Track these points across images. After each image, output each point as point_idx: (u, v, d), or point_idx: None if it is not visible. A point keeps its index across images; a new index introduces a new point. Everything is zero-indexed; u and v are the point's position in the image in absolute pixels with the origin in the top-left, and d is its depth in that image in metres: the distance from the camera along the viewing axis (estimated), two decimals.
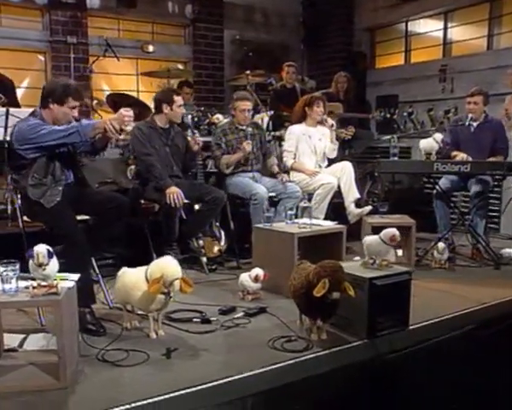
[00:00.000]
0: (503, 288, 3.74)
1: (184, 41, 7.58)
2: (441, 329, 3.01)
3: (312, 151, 4.93)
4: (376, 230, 4.39)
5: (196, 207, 4.19)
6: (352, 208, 4.71)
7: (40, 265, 2.18)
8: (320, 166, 4.95)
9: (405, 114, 6.51)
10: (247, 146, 4.38)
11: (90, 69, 5.60)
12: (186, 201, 3.87)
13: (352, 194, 4.74)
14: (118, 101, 5.21)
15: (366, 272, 2.89)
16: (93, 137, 3.04)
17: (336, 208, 4.88)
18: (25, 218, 3.30)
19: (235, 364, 2.49)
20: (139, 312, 2.98)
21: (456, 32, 7.40)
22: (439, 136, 4.65)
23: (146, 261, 3.93)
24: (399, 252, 4.61)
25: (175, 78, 5.54)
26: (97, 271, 3.42)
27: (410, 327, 2.95)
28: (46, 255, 2.19)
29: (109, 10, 6.76)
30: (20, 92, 6.48)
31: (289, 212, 3.90)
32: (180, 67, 7.47)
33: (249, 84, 5.50)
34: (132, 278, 2.85)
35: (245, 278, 3.48)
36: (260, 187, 4.34)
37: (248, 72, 5.48)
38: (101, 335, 2.83)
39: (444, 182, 4.90)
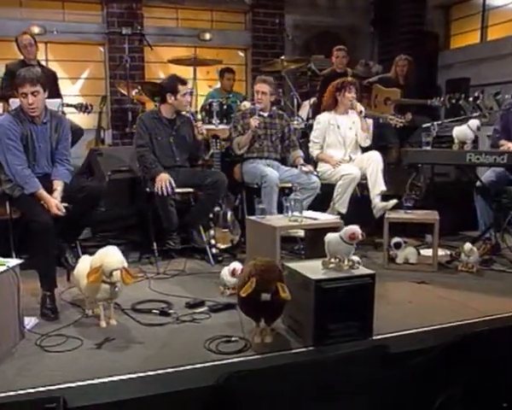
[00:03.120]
0: None
1: (245, 28, 7.46)
2: (407, 343, 2.62)
3: (341, 143, 4.61)
4: (393, 226, 4.09)
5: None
6: (376, 201, 4.33)
7: None
8: (351, 159, 4.59)
9: (471, 99, 5.83)
10: (253, 121, 4.19)
11: (127, 59, 5.73)
12: (179, 190, 3.80)
13: (377, 186, 4.34)
14: (153, 90, 5.24)
15: (319, 272, 2.59)
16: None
17: (365, 201, 4.53)
18: None
19: (156, 361, 2.37)
20: None
21: None
22: (474, 123, 4.10)
23: (148, 249, 4.06)
24: (423, 252, 4.18)
25: (201, 65, 5.46)
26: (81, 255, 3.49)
27: (374, 337, 2.62)
28: None
29: (165, 0, 6.84)
30: (80, 83, 6.89)
31: (285, 204, 3.65)
32: (241, 54, 7.43)
33: (284, 70, 5.24)
34: (83, 265, 2.83)
35: (224, 272, 3.33)
36: (272, 171, 4.16)
37: (283, 57, 5.22)
38: (52, 320, 2.85)
39: (488, 175, 4.33)
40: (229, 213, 4.28)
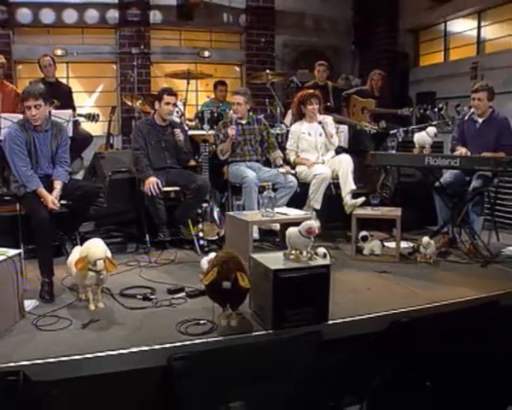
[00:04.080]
0: (467, 287, 3.09)
1: (240, 46, 7.38)
2: (360, 327, 2.52)
3: (313, 147, 4.49)
4: (361, 222, 3.99)
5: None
6: (347, 199, 4.21)
7: None
8: (323, 162, 4.48)
9: (436, 110, 5.72)
10: (230, 130, 4.11)
11: (131, 75, 5.70)
12: (169, 189, 3.74)
13: (348, 186, 4.22)
14: (154, 101, 5.14)
15: (279, 263, 2.50)
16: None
17: (338, 199, 4.41)
18: None
19: (129, 340, 2.30)
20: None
21: (489, 31, 6.40)
22: (431, 130, 4.00)
23: (142, 241, 3.98)
24: (389, 244, 4.07)
25: (194, 78, 5.37)
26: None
27: (329, 322, 2.51)
28: None
29: (170, 23, 6.77)
30: (95, 96, 6.84)
31: (260, 201, 3.57)
32: (237, 69, 7.37)
33: (268, 83, 5.15)
34: (75, 255, 2.77)
35: (203, 261, 3.22)
36: (251, 173, 4.07)
37: (268, 71, 5.12)
38: (48, 302, 2.81)
39: (446, 176, 4.22)
40: (216, 209, 4.20)
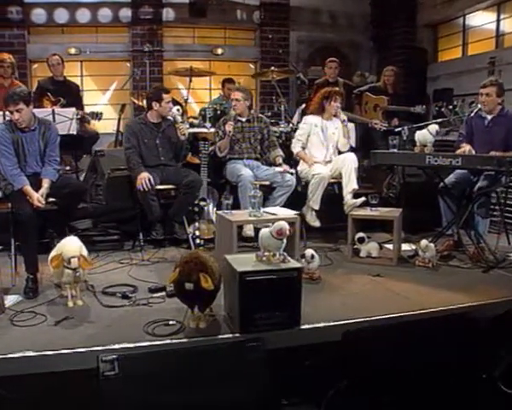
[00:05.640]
0: (460, 294, 2.94)
1: (254, 43, 7.31)
2: (332, 333, 2.42)
3: (323, 144, 4.35)
4: (357, 222, 3.86)
5: None
6: (347, 199, 4.08)
7: None
8: (329, 161, 4.36)
9: (450, 107, 5.48)
10: (227, 127, 4.07)
11: (137, 72, 5.74)
12: (164, 187, 3.74)
13: (350, 185, 4.07)
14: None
15: (248, 265, 2.44)
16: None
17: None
18: None
19: (95, 339, 2.30)
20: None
21: (509, 24, 6.05)
22: (433, 127, 3.82)
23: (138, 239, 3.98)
24: (389, 246, 3.92)
25: (196, 76, 5.33)
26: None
27: (301, 327, 2.43)
28: None
29: (183, 21, 6.79)
30: (109, 93, 6.94)
31: (252, 200, 3.49)
32: (251, 66, 7.31)
33: (274, 80, 5.06)
34: (53, 253, 2.79)
35: None
36: (247, 171, 4.02)
37: (273, 68, 5.04)
38: (32, 298, 2.85)
39: (451, 176, 4.00)
40: (213, 208, 4.16)
